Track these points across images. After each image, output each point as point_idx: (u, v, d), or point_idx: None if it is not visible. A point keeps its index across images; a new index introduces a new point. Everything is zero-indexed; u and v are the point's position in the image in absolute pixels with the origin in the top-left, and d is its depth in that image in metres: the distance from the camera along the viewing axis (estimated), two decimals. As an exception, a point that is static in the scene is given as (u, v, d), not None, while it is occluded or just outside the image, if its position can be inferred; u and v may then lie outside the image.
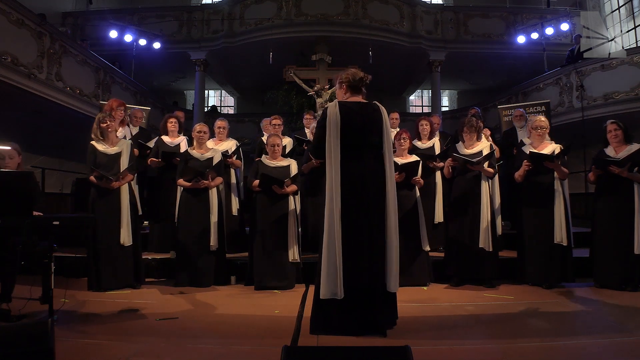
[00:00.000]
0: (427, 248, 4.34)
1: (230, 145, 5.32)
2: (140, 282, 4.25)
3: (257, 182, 4.30)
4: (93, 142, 4.18)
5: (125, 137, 5.00)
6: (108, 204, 4.11)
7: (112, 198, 4.12)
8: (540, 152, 4.19)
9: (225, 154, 5.02)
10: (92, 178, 4.09)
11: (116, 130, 4.45)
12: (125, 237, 4.09)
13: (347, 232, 2.77)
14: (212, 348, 2.58)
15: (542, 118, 4.44)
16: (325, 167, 2.86)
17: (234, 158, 5.23)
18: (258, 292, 4.11)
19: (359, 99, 2.99)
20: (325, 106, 2.98)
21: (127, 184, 4.21)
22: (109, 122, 4.18)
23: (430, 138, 5.37)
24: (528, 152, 4.20)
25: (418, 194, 4.42)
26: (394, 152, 4.55)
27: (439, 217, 5.15)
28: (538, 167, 4.19)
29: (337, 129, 2.82)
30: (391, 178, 2.90)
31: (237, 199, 5.34)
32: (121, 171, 4.13)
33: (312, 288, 4.20)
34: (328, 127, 2.84)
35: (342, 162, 2.81)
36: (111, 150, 4.19)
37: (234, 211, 5.28)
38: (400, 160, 4.39)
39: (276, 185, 4.20)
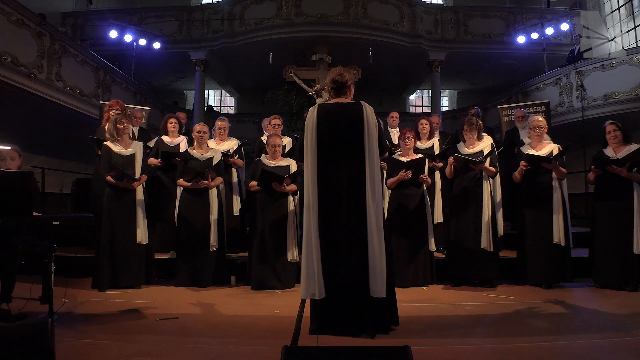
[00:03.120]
0: (433, 248, 4.36)
1: (232, 144, 5.33)
2: (150, 282, 4.30)
3: (254, 182, 4.30)
4: (107, 143, 4.24)
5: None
6: (124, 203, 4.16)
7: (128, 198, 4.18)
8: (537, 153, 4.20)
9: (226, 154, 5.03)
10: (109, 178, 4.12)
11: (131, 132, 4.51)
12: (142, 235, 4.17)
13: (324, 233, 2.79)
14: (212, 348, 2.58)
15: (540, 118, 4.44)
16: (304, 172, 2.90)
17: (236, 157, 5.23)
18: (258, 292, 4.11)
19: (343, 99, 3.00)
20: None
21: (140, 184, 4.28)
22: (125, 124, 4.23)
23: (429, 138, 5.37)
24: (525, 153, 4.21)
25: (425, 192, 4.43)
26: (400, 152, 4.57)
27: (438, 217, 5.15)
28: (536, 168, 4.19)
29: (312, 131, 2.86)
30: (372, 177, 2.81)
31: (238, 198, 5.34)
32: (136, 171, 4.20)
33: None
34: (306, 130, 2.89)
35: (318, 163, 2.84)
36: (126, 151, 4.25)
37: (236, 211, 5.28)
38: (406, 159, 4.40)
39: (276, 182, 4.20)
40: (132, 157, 4.25)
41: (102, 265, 4.06)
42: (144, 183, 4.37)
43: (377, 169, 2.87)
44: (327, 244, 2.78)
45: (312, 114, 2.93)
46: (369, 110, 2.91)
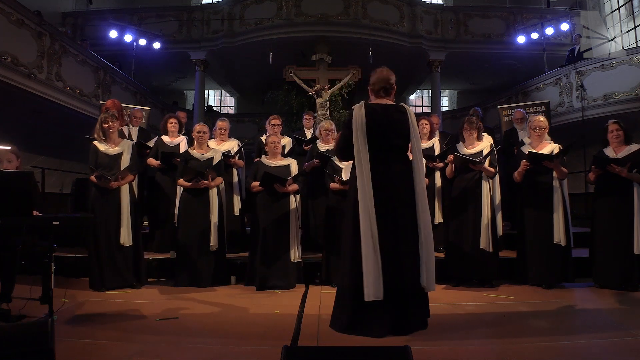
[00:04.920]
0: None
1: (233, 145, 5.33)
2: (141, 282, 4.25)
3: (256, 182, 4.30)
4: (95, 143, 4.20)
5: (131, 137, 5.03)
6: (108, 203, 4.12)
7: (113, 198, 4.13)
8: (539, 152, 4.20)
9: (227, 154, 5.02)
10: (92, 178, 4.10)
11: (118, 130, 4.46)
12: (125, 237, 4.10)
13: (382, 234, 2.77)
14: (212, 348, 2.58)
15: (541, 118, 4.43)
16: (355, 170, 2.89)
17: (237, 158, 5.23)
18: (258, 292, 4.11)
19: (387, 101, 3.02)
20: (352, 107, 2.99)
21: (128, 184, 4.21)
22: (110, 123, 4.20)
23: (430, 138, 5.37)
24: (527, 152, 4.21)
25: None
26: None
27: (438, 217, 5.15)
28: (537, 167, 4.19)
29: (363, 130, 2.84)
30: (419, 178, 2.89)
31: (239, 198, 5.34)
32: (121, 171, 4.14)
33: (313, 288, 4.22)
34: (355, 129, 2.86)
35: (371, 162, 2.82)
36: (112, 150, 4.21)
37: (236, 211, 5.28)
38: None
39: (278, 183, 4.20)
40: (118, 156, 4.19)
41: (93, 266, 4.05)
42: (132, 183, 4.28)
43: (422, 170, 2.94)
44: (384, 247, 2.75)
45: (359, 112, 2.88)
46: (412, 113, 2.98)
